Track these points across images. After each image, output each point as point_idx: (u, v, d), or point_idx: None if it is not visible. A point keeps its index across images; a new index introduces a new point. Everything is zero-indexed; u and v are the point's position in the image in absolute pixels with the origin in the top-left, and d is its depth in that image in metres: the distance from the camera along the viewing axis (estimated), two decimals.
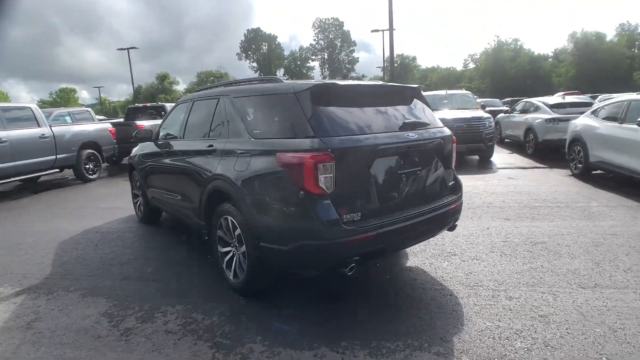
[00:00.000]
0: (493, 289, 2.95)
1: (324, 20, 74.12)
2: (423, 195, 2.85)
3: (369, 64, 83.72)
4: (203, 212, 3.33)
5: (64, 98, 66.63)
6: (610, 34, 59.02)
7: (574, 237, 3.97)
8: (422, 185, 2.84)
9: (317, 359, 2.22)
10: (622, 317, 2.49)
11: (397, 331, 2.45)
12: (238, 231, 2.88)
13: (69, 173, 9.31)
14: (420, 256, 3.64)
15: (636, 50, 58.72)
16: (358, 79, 73.75)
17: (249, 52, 77.36)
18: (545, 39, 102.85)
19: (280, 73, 78.52)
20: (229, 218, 2.97)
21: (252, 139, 2.80)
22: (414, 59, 77.07)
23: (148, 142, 4.88)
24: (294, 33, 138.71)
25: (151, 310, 2.84)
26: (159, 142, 4.38)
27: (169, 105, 12.74)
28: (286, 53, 78.00)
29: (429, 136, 2.88)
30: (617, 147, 5.91)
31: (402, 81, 59.68)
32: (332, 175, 2.35)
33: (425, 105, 3.18)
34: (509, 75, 62.70)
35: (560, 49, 65.77)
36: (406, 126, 2.79)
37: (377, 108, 2.80)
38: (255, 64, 77.11)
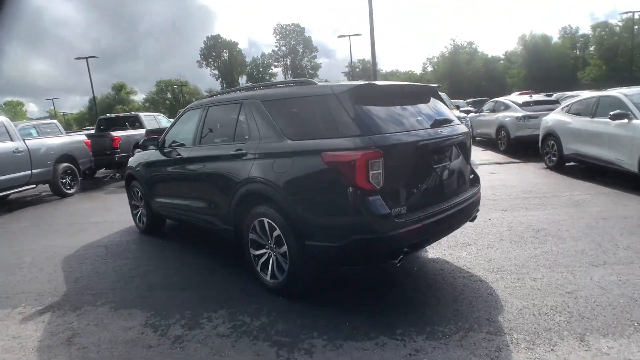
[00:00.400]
0: (517, 273, 3.19)
1: (284, 26, 74.41)
2: (453, 188, 3.05)
3: (329, 69, 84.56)
4: (232, 216, 3.35)
5: (10, 112, 62.33)
6: (555, 37, 63.62)
7: (570, 223, 4.34)
8: (452, 179, 3.04)
9: (380, 347, 2.33)
10: (638, 288, 2.79)
11: (444, 317, 2.61)
12: (277, 232, 2.93)
13: (42, 189, 8.81)
14: (438, 248, 3.84)
15: (578, 52, 63.72)
16: None
17: (210, 60, 76.14)
18: (498, 42, 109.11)
19: (242, 80, 78.01)
20: (265, 220, 3.01)
21: (290, 141, 2.87)
22: (375, 63, 79.23)
23: (151, 151, 4.80)
24: (254, 39, 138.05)
25: (194, 317, 2.83)
26: (167, 150, 4.33)
27: (144, 115, 12.40)
28: (248, 60, 77.57)
29: (454, 132, 3.09)
30: (590, 140, 6.48)
31: None
32: (380, 171, 2.48)
33: (442, 103, 3.40)
34: (466, 77, 65.91)
35: (510, 51, 69.93)
36: (437, 123, 2.99)
37: (408, 106, 2.97)
38: (216, 72, 76.01)
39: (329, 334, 2.49)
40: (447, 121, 3.12)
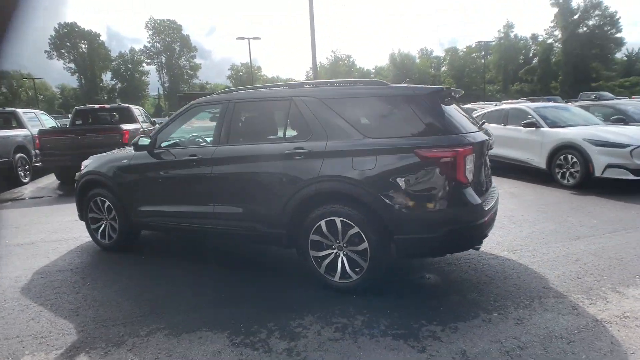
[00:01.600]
0: (527, 250, 3.87)
1: (158, 21, 68.88)
2: (488, 184, 3.54)
3: (207, 71, 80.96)
4: (286, 218, 3.22)
5: None
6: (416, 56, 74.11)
7: (525, 209, 5.38)
8: (487, 176, 3.53)
9: (489, 322, 2.61)
10: (617, 252, 3.72)
11: (511, 291, 3.05)
12: (354, 230, 2.97)
13: None
14: None
15: (432, 71, 75.41)
16: (202, 86, 71.44)
17: (63, 51, 65.37)
18: (370, 57, 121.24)
19: (107, 76, 69.27)
20: (338, 219, 3.02)
21: (370, 139, 2.96)
22: (259, 68, 79.65)
23: (127, 153, 4.18)
24: (116, 30, 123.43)
25: (282, 328, 2.66)
26: (169, 151, 3.84)
27: (23, 113, 10.27)
28: (113, 54, 69.15)
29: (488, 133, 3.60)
30: (504, 144, 7.99)
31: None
32: (472, 166, 2.79)
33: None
34: None
35: (379, 66, 78.63)
36: (479, 125, 3.44)
37: (457, 109, 3.35)
38: (72, 65, 65.68)
39: (437, 320, 2.67)
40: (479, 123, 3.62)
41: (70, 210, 6.35)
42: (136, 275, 3.71)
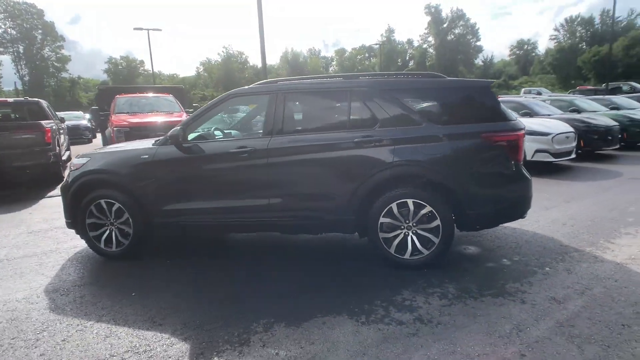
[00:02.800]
0: (521, 222, 4.66)
1: (13, 3, 57.68)
2: None
3: (71, 64, 70.01)
4: (356, 204, 3.35)
5: None
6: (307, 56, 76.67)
7: None
8: None
9: (548, 275, 3.19)
10: (589, 214, 4.75)
11: (542, 253, 3.71)
12: (426, 209, 3.27)
13: None
14: None
15: (323, 71, 79.05)
16: (73, 80, 62.23)
17: None
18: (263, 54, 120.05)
19: None
20: (410, 201, 3.28)
21: (439, 126, 3.28)
22: (142, 62, 72.78)
23: (147, 147, 3.76)
24: None
25: (392, 303, 2.83)
26: (212, 144, 3.63)
27: None
28: None
29: None
30: None
31: (129, 83, 55.23)
32: (523, 147, 3.34)
33: None
34: (240, 85, 70.35)
35: (270, 64, 79.22)
36: None
37: None
38: None
39: (511, 279, 3.15)
40: None
41: (16, 220, 5.32)
42: (182, 280, 3.41)
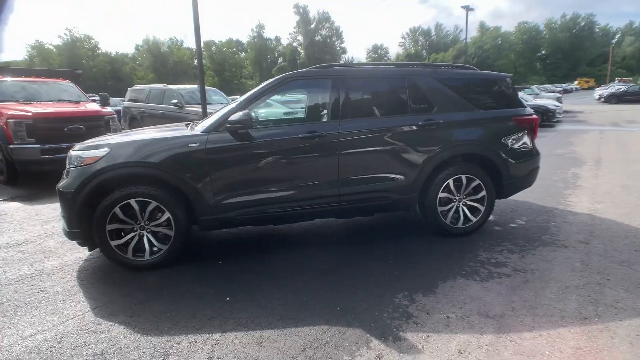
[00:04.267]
0: None
1: None
2: None
3: None
4: (420, 183, 3.63)
5: None
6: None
7: None
8: None
9: (576, 249, 4.05)
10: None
11: (553, 232, 4.62)
12: (476, 182, 3.77)
13: None
14: None
15: (192, 62, 74.46)
16: None
17: None
18: (121, 42, 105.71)
19: None
20: (463, 176, 3.73)
21: (482, 110, 3.78)
22: None
23: (192, 133, 3.33)
24: None
25: (481, 263, 3.23)
26: (277, 128, 3.42)
27: None
28: None
29: None
30: None
31: None
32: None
33: None
34: (90, 74, 61.03)
35: (125, 53, 71.13)
36: None
37: None
38: None
39: (548, 236, 3.89)
40: None
41: None
42: (270, 276, 3.14)
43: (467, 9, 23.33)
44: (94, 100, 9.09)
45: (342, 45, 67.65)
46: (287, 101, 6.93)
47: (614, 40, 66.03)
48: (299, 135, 3.36)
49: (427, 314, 2.51)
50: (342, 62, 75.28)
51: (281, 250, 3.68)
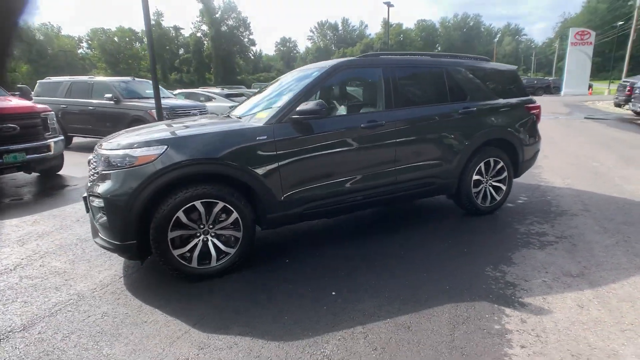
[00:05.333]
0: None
1: None
2: None
3: None
4: (460, 167, 3.99)
5: None
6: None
7: None
8: None
9: (558, 204, 4.78)
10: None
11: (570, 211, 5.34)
12: (500, 165, 4.26)
13: None
14: None
15: (75, 50, 66.35)
16: None
17: None
18: None
19: None
20: (492, 159, 4.20)
21: (502, 100, 4.26)
22: None
23: (252, 126, 3.19)
24: None
25: (542, 238, 3.72)
26: (342, 118, 3.53)
27: None
28: None
29: None
30: None
31: None
32: None
33: None
34: None
35: None
36: None
37: None
38: None
39: (556, 207, 4.55)
40: None
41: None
42: (353, 268, 3.17)
43: (389, 5, 24.92)
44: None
45: (251, 37, 66.50)
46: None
47: (495, 40, 76.82)
48: (361, 125, 3.44)
49: (525, 281, 2.84)
50: (255, 52, 74.13)
51: (332, 242, 3.70)
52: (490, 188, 4.30)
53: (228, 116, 3.81)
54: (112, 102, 9.33)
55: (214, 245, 3.04)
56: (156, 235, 2.81)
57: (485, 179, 4.23)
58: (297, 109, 3.16)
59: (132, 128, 3.91)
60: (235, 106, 4.52)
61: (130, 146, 2.88)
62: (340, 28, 78.16)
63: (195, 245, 2.98)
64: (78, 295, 2.86)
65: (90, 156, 3.39)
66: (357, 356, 2.11)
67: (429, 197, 4.40)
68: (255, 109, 3.63)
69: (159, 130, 3.34)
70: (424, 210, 4.62)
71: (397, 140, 3.60)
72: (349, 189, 3.46)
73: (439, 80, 4.00)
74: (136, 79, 10.80)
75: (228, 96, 12.49)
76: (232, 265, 3.08)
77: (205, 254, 3.01)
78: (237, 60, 64.06)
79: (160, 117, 7.86)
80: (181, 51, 71.11)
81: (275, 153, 3.11)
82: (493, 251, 3.37)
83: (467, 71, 4.14)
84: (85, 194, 3.31)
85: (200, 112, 9.78)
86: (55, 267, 3.36)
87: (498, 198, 4.33)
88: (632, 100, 13.94)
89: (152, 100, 9.54)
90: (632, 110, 14.29)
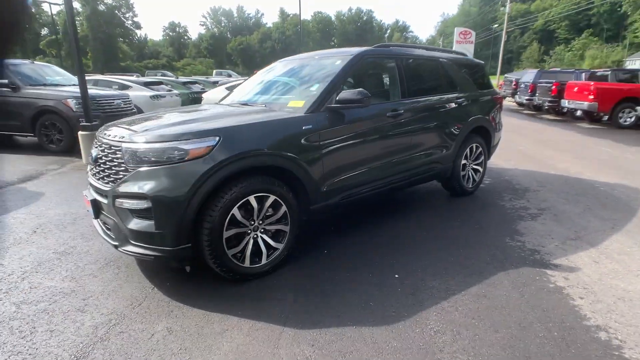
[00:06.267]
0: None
1: None
2: None
3: None
4: (455, 153, 4.46)
5: None
6: None
7: None
8: None
9: (541, 185, 5.61)
10: None
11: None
12: (480, 149, 4.87)
13: None
14: None
15: None
16: None
17: None
18: None
19: None
20: (474, 145, 4.77)
21: (479, 90, 4.84)
22: None
23: (294, 115, 3.13)
24: None
25: (542, 213, 4.35)
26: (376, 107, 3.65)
27: None
28: None
29: None
30: None
31: None
32: None
33: None
34: None
35: None
36: None
37: None
38: None
39: (536, 185, 5.33)
40: None
41: None
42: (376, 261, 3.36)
43: None
44: None
45: (135, 19, 60.65)
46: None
47: (386, 35, 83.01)
48: (387, 114, 3.63)
49: (542, 247, 3.38)
50: (140, 37, 67.57)
51: (353, 231, 3.85)
52: (471, 171, 4.88)
53: (246, 104, 3.64)
54: (9, 89, 7.85)
55: (264, 241, 2.94)
56: (212, 235, 2.62)
57: (468, 163, 4.79)
58: (338, 97, 3.19)
59: (125, 119, 3.45)
60: (227, 95, 4.33)
61: (178, 138, 2.61)
62: (236, 15, 76.02)
63: (247, 243, 2.85)
64: (116, 314, 2.53)
65: (94, 152, 2.97)
66: (463, 326, 2.33)
67: (428, 182, 4.78)
68: (271, 98, 3.62)
69: (183, 119, 3.04)
70: (410, 198, 5.01)
71: (413, 127, 3.89)
72: (376, 176, 3.64)
73: (438, 72, 4.39)
74: (36, 62, 9.22)
75: (147, 84, 11.39)
76: (282, 260, 3.03)
77: (254, 252, 2.91)
78: (119, 45, 57.88)
79: (87, 109, 6.87)
80: (44, 31, 61.61)
81: (319, 143, 3.12)
82: (499, 225, 3.89)
83: (454, 64, 4.62)
84: (90, 197, 2.91)
85: (125, 102, 8.83)
86: (54, 287, 2.87)
87: (477, 180, 4.94)
88: (518, 93, 16.61)
89: (65, 88, 8.33)
90: (517, 102, 17.03)
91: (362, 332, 2.30)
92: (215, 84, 15.69)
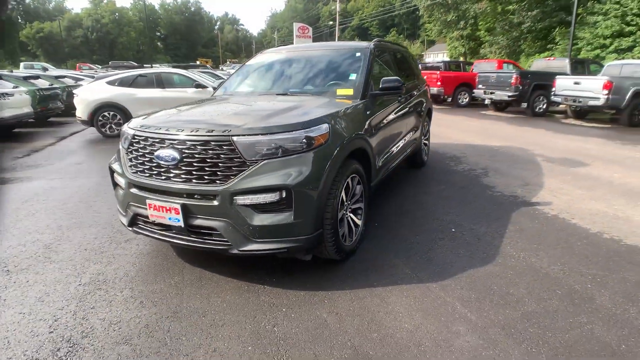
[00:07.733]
0: None
1: None
2: None
3: None
4: (420, 132, 5.38)
5: None
6: None
7: None
8: None
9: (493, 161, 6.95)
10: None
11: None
12: (427, 128, 5.94)
13: None
14: None
15: None
16: None
17: None
18: None
19: None
20: (427, 124, 5.81)
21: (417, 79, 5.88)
22: None
23: (356, 102, 3.46)
24: None
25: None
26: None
27: None
28: None
29: None
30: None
31: None
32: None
33: None
34: None
35: None
36: None
37: None
38: None
39: (494, 162, 6.62)
40: None
41: None
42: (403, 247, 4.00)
43: None
44: None
45: None
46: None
47: (217, 27, 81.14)
48: (399, 98, 4.24)
49: (514, 193, 4.56)
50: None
51: (377, 206, 4.38)
52: (424, 146, 5.91)
53: (285, 94, 3.71)
54: None
55: (352, 219, 3.22)
56: (333, 218, 2.80)
57: (423, 140, 5.79)
58: (382, 85, 3.63)
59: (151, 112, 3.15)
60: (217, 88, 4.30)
61: (305, 126, 2.65)
62: None
63: (345, 223, 3.10)
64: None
65: (172, 153, 2.66)
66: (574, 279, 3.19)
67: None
68: (309, 87, 3.81)
69: (276, 109, 3.06)
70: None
71: (409, 110, 4.61)
72: (394, 155, 4.22)
73: (406, 61, 5.17)
74: None
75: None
76: (361, 236, 3.35)
77: (349, 233, 3.16)
78: None
79: None
80: None
81: (371, 125, 3.52)
82: (471, 184, 4.98)
83: (409, 55, 5.51)
84: (170, 204, 2.65)
85: None
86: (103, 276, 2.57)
87: (426, 159, 6.01)
88: None
89: None
90: None
91: (481, 304, 2.91)
92: (58, 78, 13.24)
